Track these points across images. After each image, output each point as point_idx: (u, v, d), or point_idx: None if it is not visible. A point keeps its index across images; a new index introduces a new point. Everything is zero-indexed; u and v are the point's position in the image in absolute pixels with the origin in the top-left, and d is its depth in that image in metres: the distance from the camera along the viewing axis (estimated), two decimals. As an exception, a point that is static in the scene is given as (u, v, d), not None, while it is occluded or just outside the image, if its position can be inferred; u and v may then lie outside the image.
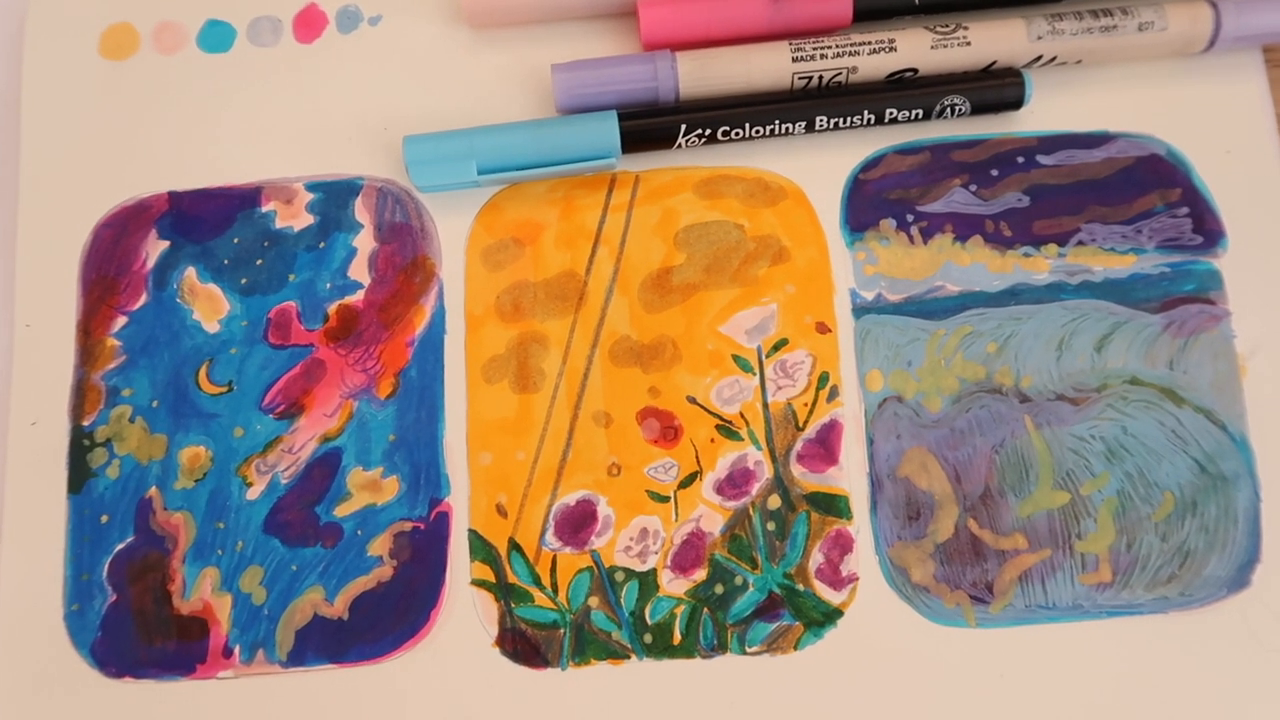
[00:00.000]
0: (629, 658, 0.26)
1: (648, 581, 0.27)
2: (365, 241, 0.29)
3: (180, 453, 0.28)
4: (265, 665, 0.26)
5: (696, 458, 0.27)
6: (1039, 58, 0.30)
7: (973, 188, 0.29)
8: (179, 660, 0.26)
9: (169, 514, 0.27)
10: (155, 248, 0.29)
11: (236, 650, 0.26)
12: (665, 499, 0.27)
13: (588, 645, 0.26)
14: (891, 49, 0.29)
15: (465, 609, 0.27)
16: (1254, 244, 0.29)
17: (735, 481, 0.27)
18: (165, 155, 0.30)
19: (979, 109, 0.29)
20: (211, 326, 0.29)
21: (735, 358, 0.28)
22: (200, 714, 0.26)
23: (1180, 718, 0.26)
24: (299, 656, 0.26)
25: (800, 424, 0.28)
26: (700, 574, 0.27)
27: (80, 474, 0.28)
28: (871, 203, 0.29)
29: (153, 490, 0.27)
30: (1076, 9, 0.30)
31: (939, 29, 0.29)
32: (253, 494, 0.27)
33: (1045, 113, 0.30)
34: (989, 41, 0.29)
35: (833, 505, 0.27)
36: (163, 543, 0.27)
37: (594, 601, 0.27)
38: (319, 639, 0.26)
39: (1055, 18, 0.29)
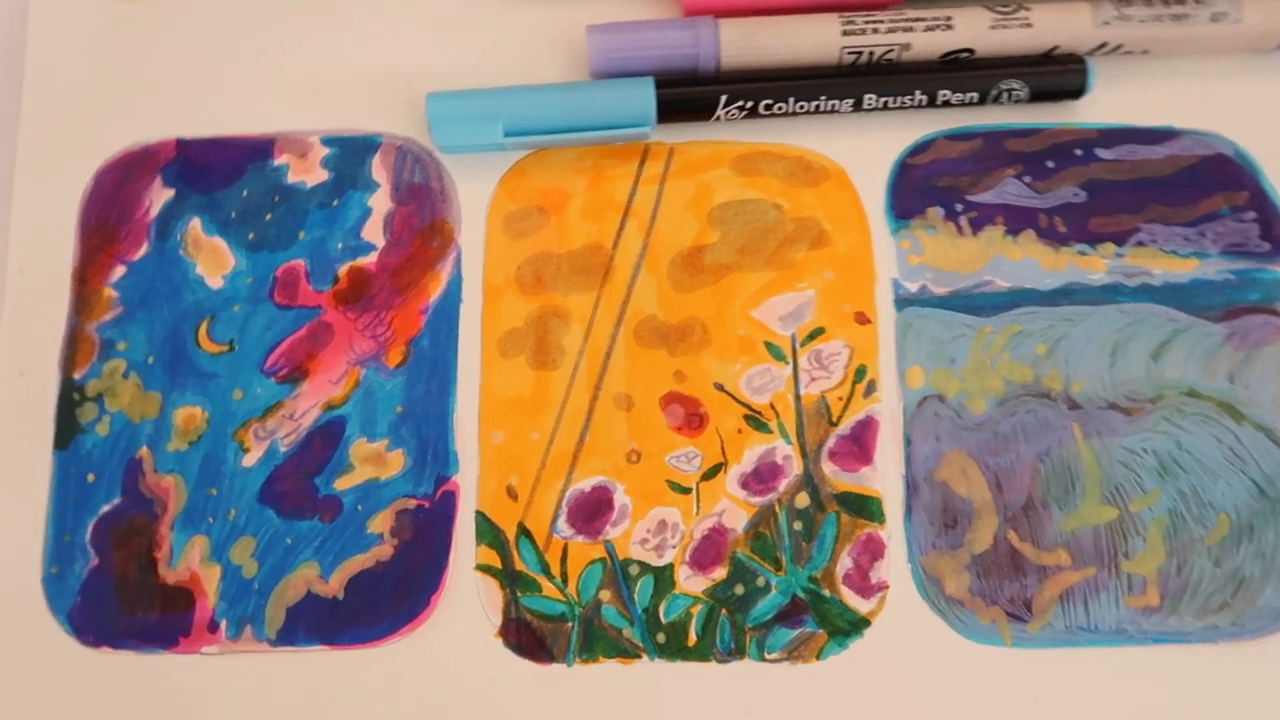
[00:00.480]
0: (640, 657, 0.25)
1: (664, 577, 0.25)
2: (381, 202, 0.28)
3: (175, 413, 0.26)
4: (253, 643, 0.25)
5: (722, 448, 0.26)
6: (1104, 45, 0.28)
7: (1027, 179, 0.28)
8: (161, 632, 0.25)
9: (159, 476, 0.26)
10: (160, 196, 0.28)
11: (223, 625, 0.25)
12: (687, 490, 0.26)
13: (596, 641, 0.25)
14: (948, 27, 0.27)
15: (468, 595, 0.25)
16: (1325, 254, 0.27)
17: (762, 476, 0.26)
18: (175, 100, 0.28)
19: (1037, 96, 0.28)
20: (215, 282, 0.27)
21: (767, 345, 0.26)
22: (181, 690, 0.25)
23: (1226, 754, 0.24)
24: (289, 635, 0.25)
25: (834, 419, 0.26)
26: (720, 572, 0.25)
27: (68, 429, 0.26)
28: (919, 189, 0.28)
29: (144, 450, 0.26)
30: (1148, -4, 0.28)
31: (999, 8, 0.28)
32: (249, 460, 0.26)
33: (1108, 104, 0.28)
34: (1052, 24, 0.28)
35: (865, 507, 0.25)
36: (151, 506, 0.26)
37: (605, 595, 0.25)
38: (311, 618, 0.25)
39: (1124, 3, 0.28)
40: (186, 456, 0.26)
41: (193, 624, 0.25)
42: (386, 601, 0.25)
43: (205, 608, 0.25)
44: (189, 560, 0.25)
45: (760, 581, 0.25)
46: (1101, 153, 0.28)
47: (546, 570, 0.25)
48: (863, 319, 0.27)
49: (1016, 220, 0.27)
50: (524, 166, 0.28)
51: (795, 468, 0.26)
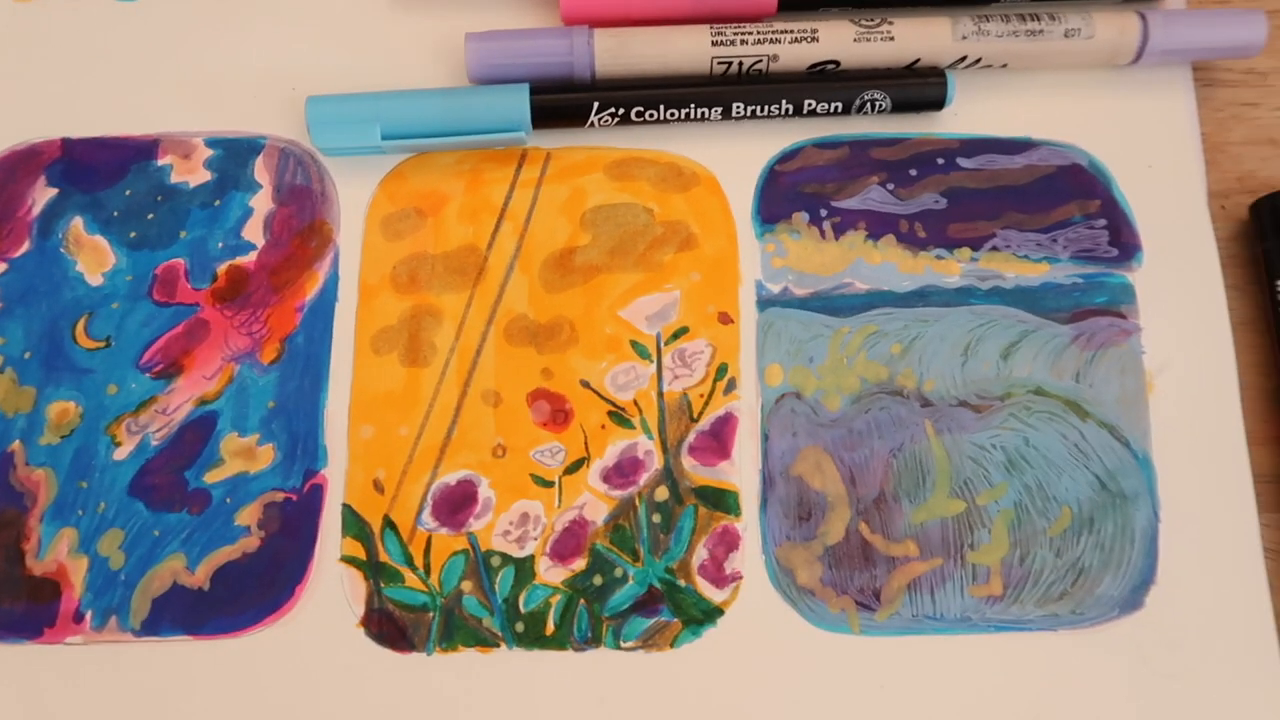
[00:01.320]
0: (499, 646, 0.25)
1: (524, 568, 0.26)
2: (263, 202, 0.28)
3: (48, 407, 0.27)
4: (117, 633, 0.25)
5: (585, 444, 0.27)
6: (964, 58, 0.29)
7: (890, 186, 0.29)
8: (26, 622, 0.25)
9: (30, 470, 0.26)
10: (43, 195, 0.28)
11: (89, 615, 0.25)
12: (550, 484, 0.26)
13: (457, 631, 0.25)
14: (814, 39, 0.29)
15: (332, 586, 0.26)
16: (1170, 260, 0.28)
17: (623, 470, 0.26)
18: (61, 100, 0.29)
19: (900, 106, 0.29)
20: (95, 279, 0.28)
21: (633, 343, 0.27)
22: (45, 679, 0.25)
23: (1063, 739, 0.25)
24: (153, 625, 0.25)
25: (695, 415, 0.27)
26: (580, 563, 0.26)
27: (-58, 423, 0.26)
28: (786, 195, 0.29)
29: (15, 444, 0.26)
30: (1004, 11, 0.29)
31: (864, 22, 0.29)
32: (120, 454, 0.26)
33: (969, 116, 0.30)
34: (913, 38, 0.29)
35: (721, 500, 0.26)
36: (21, 499, 0.26)
37: (467, 586, 0.26)
38: (177, 609, 0.25)
39: (982, 19, 0.29)
40: (58, 450, 0.26)
41: (58, 614, 0.25)
42: (252, 592, 0.25)
43: (71, 599, 0.25)
44: (57, 552, 0.26)
45: (618, 572, 0.26)
46: (962, 161, 0.29)
47: (410, 562, 0.26)
48: (725, 319, 0.28)
49: (878, 225, 0.29)
50: (404, 170, 0.29)
51: (656, 462, 0.27)
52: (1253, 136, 0.30)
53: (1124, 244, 0.28)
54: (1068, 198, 0.29)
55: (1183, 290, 0.28)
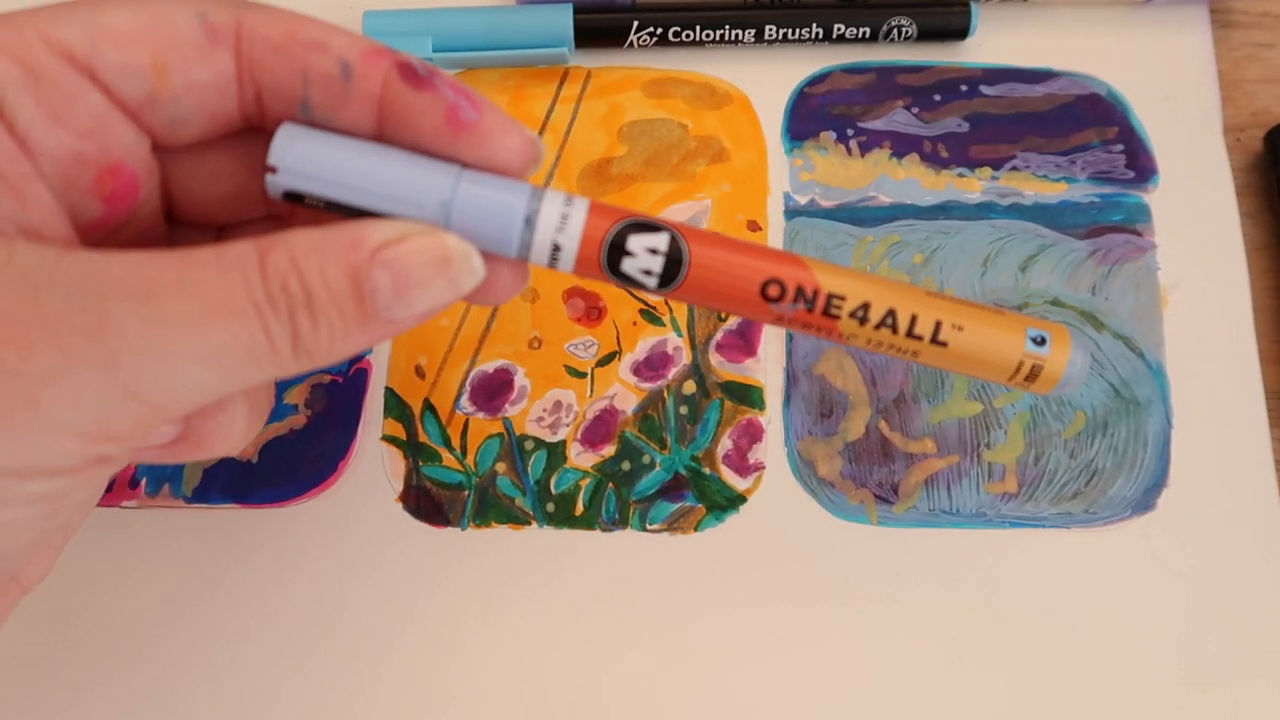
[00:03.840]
0: (530, 524, 0.26)
1: (556, 452, 0.27)
2: (318, 111, 0.30)
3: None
4: (169, 499, 0.27)
5: (617, 338, 0.28)
6: (988, -10, 0.30)
7: (914, 110, 0.30)
8: (85, 487, 0.27)
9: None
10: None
11: (144, 482, 0.27)
12: (582, 375, 0.28)
13: (490, 508, 0.27)
14: (845, -32, 0.30)
15: (373, 464, 0.27)
16: (1185, 184, 0.29)
17: (653, 364, 0.28)
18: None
19: (925, 34, 0.30)
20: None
21: (665, 247, 0.29)
22: (100, 538, 0.26)
23: (1074, 631, 0.26)
24: (203, 494, 0.27)
25: (722, 315, 0.28)
26: (609, 450, 0.27)
27: None
28: (814, 115, 0.30)
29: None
30: (1028, -53, 0.31)
31: (893, -46, 0.30)
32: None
33: (992, 48, 0.31)
34: (940, -30, 0.30)
35: (746, 395, 0.27)
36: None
37: (501, 467, 0.27)
38: (226, 479, 0.27)
39: (1006, -47, 0.30)
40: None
41: (115, 481, 0.27)
42: (297, 466, 0.27)
43: (129, 467, 0.27)
44: (116, 422, 0.27)
45: (646, 459, 0.27)
46: (985, 89, 0.30)
47: (448, 443, 0.27)
48: (754, 226, 0.29)
49: (902, 145, 0.30)
50: (452, 85, 0.30)
51: (684, 358, 0.28)
52: (1268, 75, 0.31)
53: (1140, 167, 0.29)
54: (1086, 124, 0.30)
55: (1198, 211, 0.29)
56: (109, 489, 0.27)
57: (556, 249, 0.18)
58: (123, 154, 0.18)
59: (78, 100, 0.17)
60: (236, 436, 0.20)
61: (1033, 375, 0.20)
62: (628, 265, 0.18)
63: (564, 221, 0.18)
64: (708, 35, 0.30)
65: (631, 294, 0.28)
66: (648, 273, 0.18)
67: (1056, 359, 0.20)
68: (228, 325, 0.16)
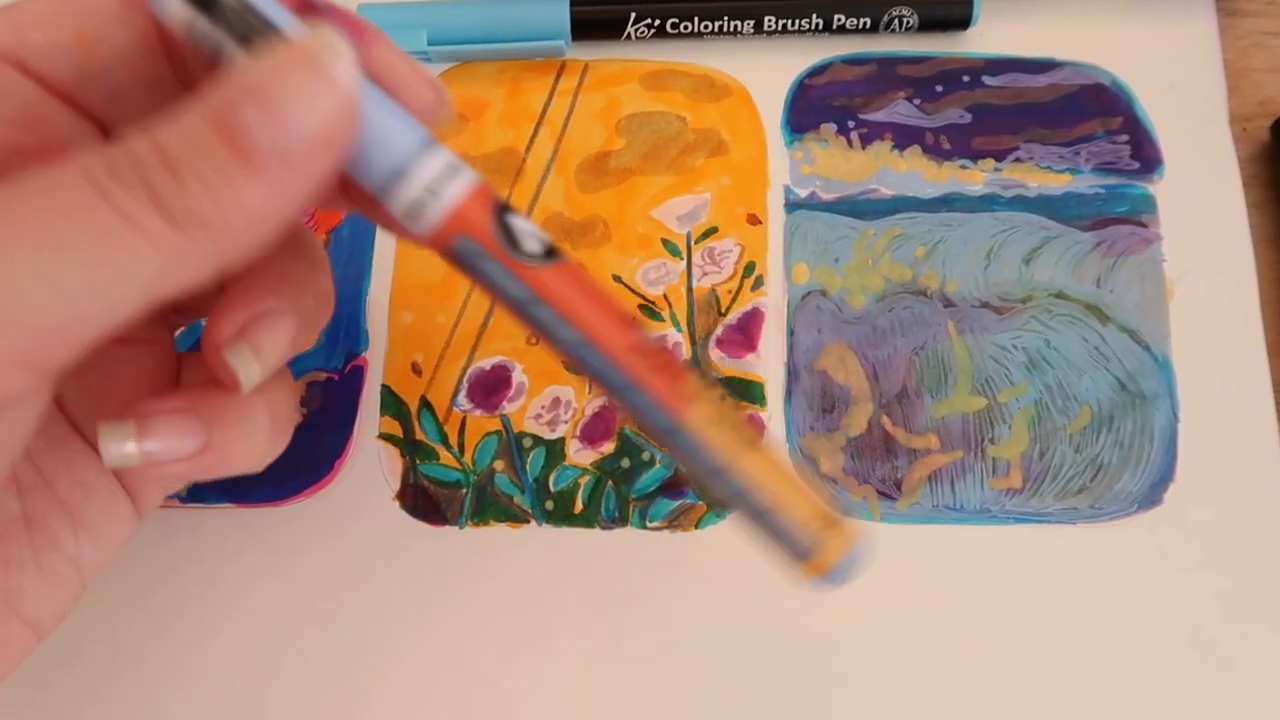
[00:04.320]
0: (528, 522, 0.26)
1: (555, 450, 0.27)
2: (313, 106, 0.30)
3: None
4: (166, 499, 0.26)
5: (616, 334, 0.27)
6: (990, -20, 0.30)
7: (916, 101, 0.30)
8: (79, 487, 0.26)
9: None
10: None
11: (137, 483, 0.26)
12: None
13: (488, 507, 0.26)
14: (845, -43, 0.30)
15: (370, 462, 0.27)
16: (1191, 175, 0.29)
17: (652, 360, 0.27)
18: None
19: (926, 24, 0.30)
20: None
21: (664, 241, 0.28)
22: (94, 542, 0.26)
23: (1080, 628, 0.25)
24: (199, 493, 0.26)
25: (723, 310, 0.28)
26: (608, 447, 0.27)
27: None
28: (815, 107, 0.30)
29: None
30: (1030, -65, 0.30)
31: (893, -57, 0.30)
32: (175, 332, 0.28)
33: (995, 37, 0.30)
34: (941, -41, 0.30)
35: (747, 391, 0.27)
36: (78, 373, 0.27)
37: (499, 465, 0.27)
38: (222, 478, 0.26)
39: (1009, -59, 0.30)
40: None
41: (110, 480, 0.26)
42: (293, 465, 0.26)
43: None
44: (110, 422, 0.27)
45: (645, 456, 0.27)
46: (987, 79, 0.30)
47: (445, 440, 0.27)
48: (754, 220, 0.28)
49: (904, 137, 0.29)
50: (448, 78, 0.30)
51: (684, 353, 0.27)
52: (1274, 64, 0.31)
53: (1145, 158, 0.29)
54: (1090, 115, 0.29)
55: (1204, 203, 0.29)
56: (103, 489, 0.26)
57: (432, 193, 0.16)
58: (63, 142, 0.17)
59: (9, 93, 0.17)
60: (260, 446, 0.19)
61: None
62: (517, 224, 0.17)
63: (454, 170, 0.17)
64: (706, 26, 0.29)
65: (629, 288, 0.28)
66: (535, 237, 0.17)
67: (834, 549, 0.20)
68: (68, 213, 0.14)
